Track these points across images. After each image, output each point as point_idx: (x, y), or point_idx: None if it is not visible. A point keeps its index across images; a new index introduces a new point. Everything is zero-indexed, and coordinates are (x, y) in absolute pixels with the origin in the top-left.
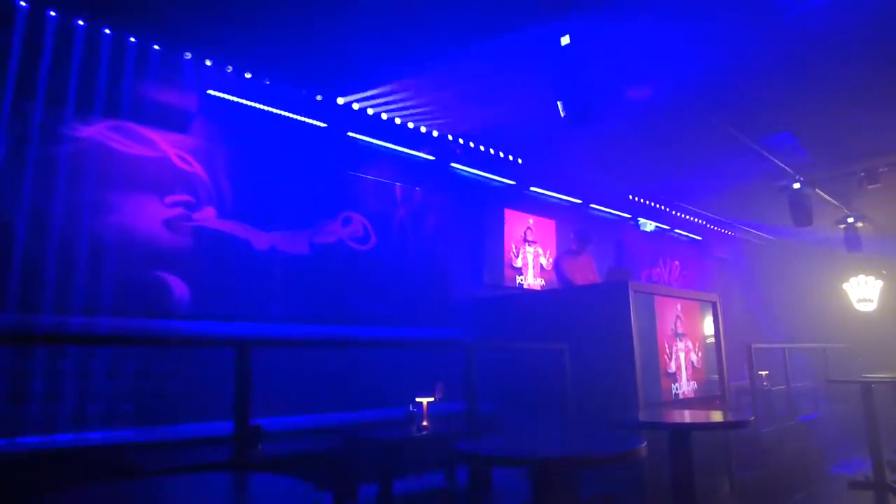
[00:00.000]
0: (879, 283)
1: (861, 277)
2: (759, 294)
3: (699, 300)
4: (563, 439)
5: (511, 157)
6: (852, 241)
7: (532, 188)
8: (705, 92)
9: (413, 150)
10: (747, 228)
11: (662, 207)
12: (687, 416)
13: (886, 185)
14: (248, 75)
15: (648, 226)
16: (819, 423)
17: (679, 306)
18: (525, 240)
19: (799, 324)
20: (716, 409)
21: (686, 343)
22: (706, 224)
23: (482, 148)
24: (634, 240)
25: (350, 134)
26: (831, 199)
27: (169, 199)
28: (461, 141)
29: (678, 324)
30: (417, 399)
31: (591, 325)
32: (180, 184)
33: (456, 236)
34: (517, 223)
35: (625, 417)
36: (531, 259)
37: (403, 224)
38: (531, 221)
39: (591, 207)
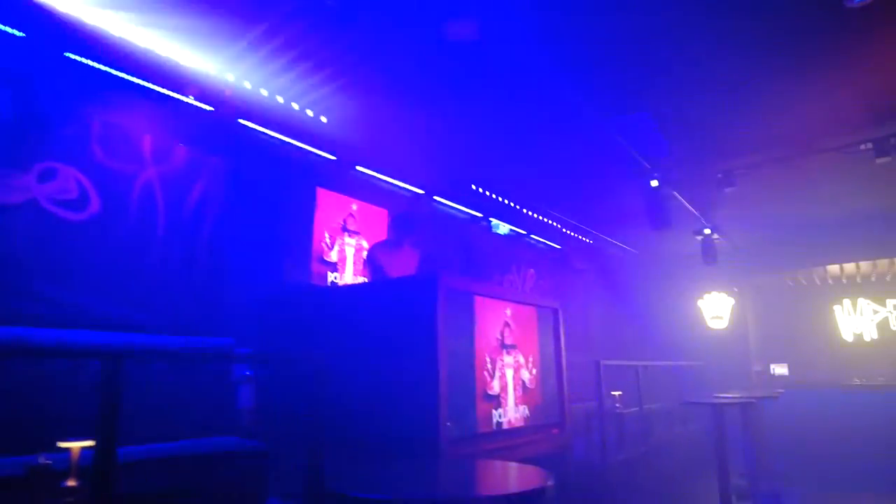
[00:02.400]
0: (731, 301)
1: (714, 294)
2: (621, 308)
3: (536, 306)
4: None
5: (323, 119)
6: (709, 252)
7: (359, 168)
8: (549, 52)
9: (175, 91)
10: (608, 238)
11: (515, 205)
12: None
13: (742, 191)
14: None
15: (502, 228)
16: (673, 447)
17: (509, 311)
18: (344, 229)
19: (660, 340)
20: (553, 438)
21: (516, 357)
22: (565, 230)
23: (281, 99)
24: (486, 243)
25: (70, 55)
26: (690, 207)
27: None
28: (236, 84)
29: (507, 333)
30: (62, 443)
31: (391, 330)
32: None
33: (239, 215)
34: (334, 208)
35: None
36: (351, 253)
37: (151, 189)
38: (354, 207)
39: (436, 200)
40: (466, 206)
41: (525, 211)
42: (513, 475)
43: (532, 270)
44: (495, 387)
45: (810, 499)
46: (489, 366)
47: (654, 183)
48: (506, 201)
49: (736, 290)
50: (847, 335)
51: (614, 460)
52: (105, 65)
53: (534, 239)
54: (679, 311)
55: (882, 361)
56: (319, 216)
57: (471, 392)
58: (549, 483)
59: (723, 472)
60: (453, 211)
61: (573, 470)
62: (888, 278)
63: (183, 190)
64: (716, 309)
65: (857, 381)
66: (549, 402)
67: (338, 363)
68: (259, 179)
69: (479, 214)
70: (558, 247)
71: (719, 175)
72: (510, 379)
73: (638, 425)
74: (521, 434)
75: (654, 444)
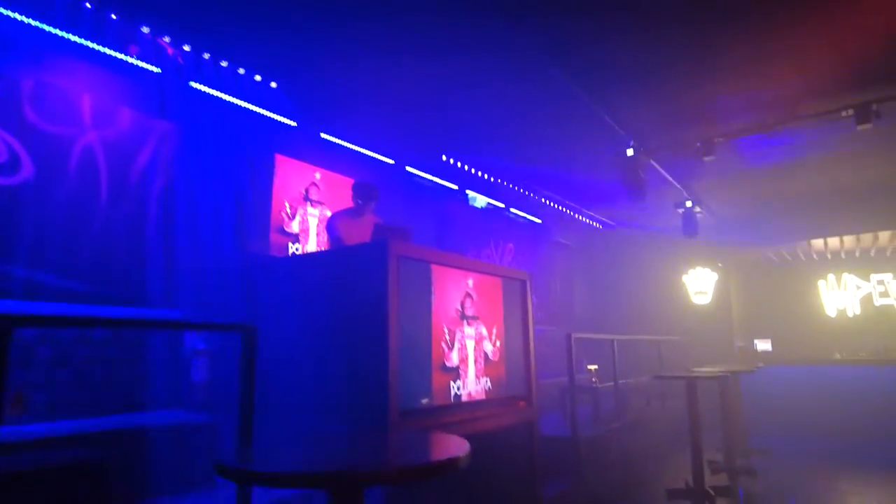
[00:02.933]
0: (714, 276)
1: (698, 269)
2: (604, 283)
3: (501, 276)
4: None
5: (273, 84)
6: (689, 225)
7: (323, 135)
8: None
9: (117, 51)
10: (590, 212)
11: (492, 178)
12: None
13: (720, 161)
14: None
15: (479, 201)
16: (650, 422)
17: (471, 282)
18: (307, 198)
19: (644, 315)
20: (519, 412)
21: (478, 329)
22: (546, 201)
23: (225, 63)
24: (462, 216)
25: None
26: (671, 178)
27: None
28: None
29: (468, 304)
30: None
31: (343, 300)
32: None
33: (191, 183)
34: (296, 176)
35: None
36: (314, 224)
37: (92, 154)
38: (318, 176)
39: (409, 171)
40: (440, 178)
41: (502, 182)
42: (429, 446)
43: (511, 245)
44: (454, 358)
45: (786, 473)
46: (447, 337)
47: (630, 152)
48: (481, 174)
49: (720, 265)
50: (831, 310)
51: (585, 435)
52: (36, 19)
53: (513, 213)
54: (666, 285)
55: (865, 337)
56: (279, 185)
57: (427, 364)
58: (462, 454)
59: (696, 446)
60: (427, 183)
61: (538, 444)
62: (872, 253)
63: (128, 155)
64: (700, 284)
65: (837, 357)
66: (515, 374)
67: (292, 335)
68: (212, 145)
69: (455, 187)
70: (538, 221)
71: (698, 143)
72: (471, 351)
73: (613, 400)
74: (482, 407)
75: (630, 419)
